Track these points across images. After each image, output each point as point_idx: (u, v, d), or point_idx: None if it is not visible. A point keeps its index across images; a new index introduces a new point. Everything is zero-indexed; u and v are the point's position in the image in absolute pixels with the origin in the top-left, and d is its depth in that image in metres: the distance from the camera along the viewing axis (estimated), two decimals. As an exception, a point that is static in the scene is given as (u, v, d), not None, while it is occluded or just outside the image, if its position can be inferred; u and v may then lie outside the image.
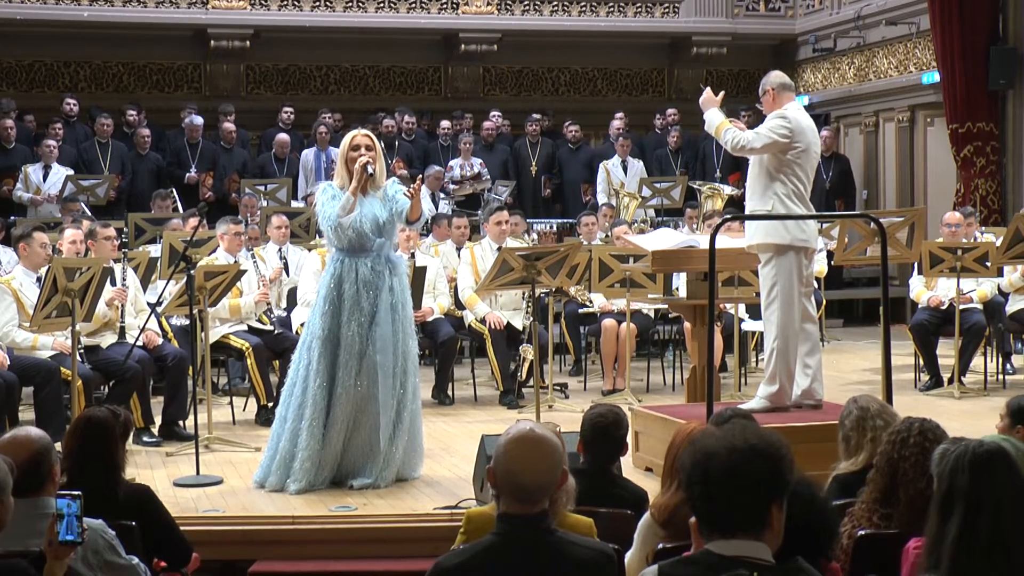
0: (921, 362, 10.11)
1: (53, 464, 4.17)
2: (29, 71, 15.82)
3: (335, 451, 6.76)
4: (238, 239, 9.39)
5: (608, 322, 10.09)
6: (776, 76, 7.33)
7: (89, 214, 11.39)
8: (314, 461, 6.69)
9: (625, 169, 14.64)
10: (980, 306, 10.05)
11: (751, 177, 7.17)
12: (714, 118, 7.24)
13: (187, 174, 14.21)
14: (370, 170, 6.73)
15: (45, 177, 13.26)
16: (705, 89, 7.44)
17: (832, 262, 10.83)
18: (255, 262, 9.45)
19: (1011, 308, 10.23)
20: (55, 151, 13.34)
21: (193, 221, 10.18)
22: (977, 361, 10.20)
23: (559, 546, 3.24)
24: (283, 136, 14.68)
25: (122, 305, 8.30)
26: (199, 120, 14.53)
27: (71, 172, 13.25)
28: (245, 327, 9.11)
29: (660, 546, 4.02)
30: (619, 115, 15.61)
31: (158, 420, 8.29)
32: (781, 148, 7.01)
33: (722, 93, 7.43)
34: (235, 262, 9.11)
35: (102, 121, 14.08)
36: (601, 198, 14.31)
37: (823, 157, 12.03)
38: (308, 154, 14.47)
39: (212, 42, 15.81)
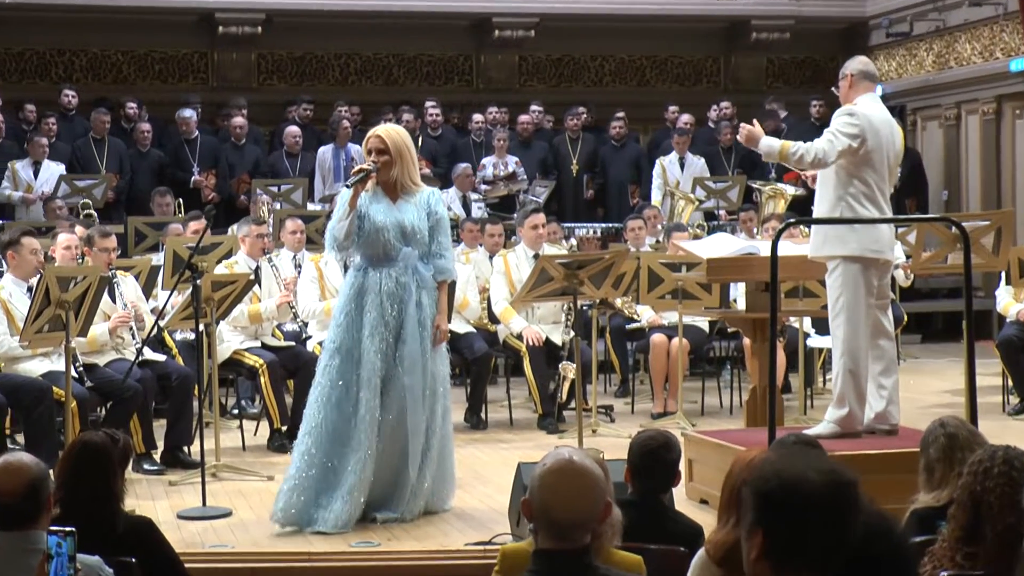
0: (1009, 383, 10.06)
1: (49, 494, 4.18)
2: (19, 60, 15.92)
3: (365, 480, 6.70)
4: (260, 241, 9.38)
5: (658, 337, 10.08)
6: (858, 62, 7.32)
7: (74, 219, 11.33)
8: (350, 491, 6.62)
9: (682, 166, 14.45)
10: (1075, 320, 9.99)
11: (820, 180, 7.14)
12: (771, 144, 7.12)
13: (192, 177, 14.11)
14: (371, 166, 6.69)
15: (36, 174, 13.26)
16: (741, 126, 7.36)
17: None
18: (273, 266, 9.41)
19: (1109, 323, 10.14)
20: (47, 149, 13.33)
21: (194, 225, 10.21)
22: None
23: (602, 585, 3.23)
24: (293, 128, 14.50)
25: (132, 328, 8.30)
26: (188, 112, 14.40)
27: (62, 168, 13.26)
28: (259, 343, 9.15)
29: (717, 587, 4.01)
30: (673, 108, 15.55)
31: (160, 445, 8.33)
32: (856, 149, 6.96)
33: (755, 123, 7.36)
34: (257, 267, 9.16)
35: (98, 117, 14.02)
36: (656, 196, 14.17)
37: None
38: (325, 151, 14.31)
39: (220, 28, 15.90)
